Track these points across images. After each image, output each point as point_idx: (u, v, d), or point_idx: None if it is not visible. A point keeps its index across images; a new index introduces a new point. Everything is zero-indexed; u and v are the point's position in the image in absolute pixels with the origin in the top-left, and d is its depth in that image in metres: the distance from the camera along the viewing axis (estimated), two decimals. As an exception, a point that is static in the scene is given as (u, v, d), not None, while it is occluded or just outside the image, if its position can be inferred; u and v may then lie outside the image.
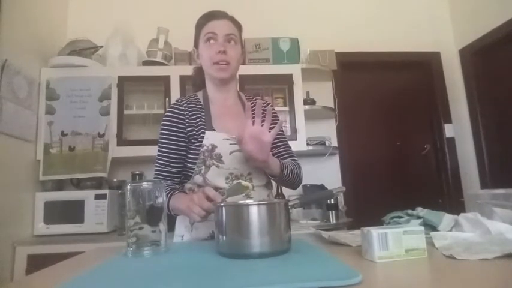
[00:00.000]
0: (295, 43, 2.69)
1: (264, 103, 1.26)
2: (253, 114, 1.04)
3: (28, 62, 2.21)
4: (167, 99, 2.41)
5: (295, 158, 1.26)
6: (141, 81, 2.54)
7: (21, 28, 2.14)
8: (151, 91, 2.60)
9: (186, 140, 1.12)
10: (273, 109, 1.28)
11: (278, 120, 1.28)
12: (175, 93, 2.41)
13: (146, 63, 2.54)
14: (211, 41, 1.13)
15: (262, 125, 0.98)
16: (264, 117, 0.99)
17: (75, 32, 2.58)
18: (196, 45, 1.20)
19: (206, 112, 1.15)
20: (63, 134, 2.31)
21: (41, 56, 2.36)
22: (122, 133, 2.38)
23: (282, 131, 1.28)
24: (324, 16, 3.06)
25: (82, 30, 2.56)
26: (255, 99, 1.27)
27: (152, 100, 2.55)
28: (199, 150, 1.09)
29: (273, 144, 1.21)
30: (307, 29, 2.91)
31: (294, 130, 2.50)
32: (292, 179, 1.15)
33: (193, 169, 1.11)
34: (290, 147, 1.26)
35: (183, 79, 2.43)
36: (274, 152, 1.23)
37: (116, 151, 2.33)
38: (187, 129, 1.12)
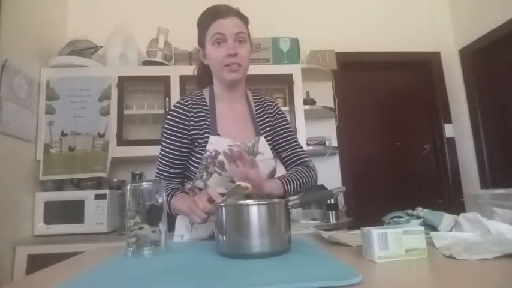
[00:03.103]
0: (295, 43, 2.69)
1: (271, 103, 1.25)
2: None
3: (28, 62, 2.21)
4: (167, 99, 2.41)
5: (307, 159, 1.22)
6: (141, 81, 2.54)
7: (21, 28, 2.14)
8: (151, 91, 2.61)
9: (190, 142, 1.10)
10: (280, 108, 1.27)
11: (287, 120, 1.26)
12: (175, 93, 2.41)
13: (146, 63, 2.54)
14: (220, 43, 1.07)
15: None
16: (239, 157, 0.98)
17: (75, 32, 2.58)
18: (201, 44, 1.14)
19: (211, 113, 1.12)
20: (63, 134, 2.31)
21: (41, 56, 2.36)
22: (122, 133, 2.38)
23: (291, 131, 1.25)
24: (324, 16, 3.06)
25: (82, 30, 2.56)
26: (262, 99, 1.25)
27: (152, 100, 2.55)
28: (202, 154, 1.07)
29: (282, 148, 1.21)
30: (307, 29, 2.91)
31: (294, 130, 2.48)
32: (303, 189, 1.13)
33: (195, 172, 1.10)
34: (301, 148, 1.23)
35: (183, 79, 2.43)
36: (284, 155, 1.21)
37: (116, 151, 2.33)
38: (191, 132, 1.09)
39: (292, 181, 1.11)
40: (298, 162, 1.21)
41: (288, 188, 1.09)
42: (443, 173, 3.06)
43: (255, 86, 2.62)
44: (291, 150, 1.21)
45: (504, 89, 2.71)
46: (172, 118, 1.11)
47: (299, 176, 1.14)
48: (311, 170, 1.20)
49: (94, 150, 2.32)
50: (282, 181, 1.09)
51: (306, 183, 1.15)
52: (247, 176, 0.96)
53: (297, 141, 1.24)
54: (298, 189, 1.12)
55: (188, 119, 1.10)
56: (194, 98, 1.14)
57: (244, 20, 1.13)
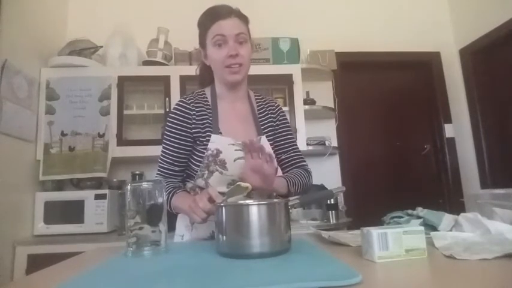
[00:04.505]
0: (295, 43, 2.69)
1: (273, 104, 1.25)
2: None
3: (28, 62, 2.21)
4: (167, 99, 2.41)
5: (305, 163, 1.24)
6: (141, 81, 2.54)
7: (21, 28, 2.14)
8: (151, 91, 2.60)
9: (191, 140, 1.11)
10: (282, 110, 1.27)
11: (288, 122, 1.27)
12: (175, 93, 2.41)
13: (146, 63, 2.53)
14: (221, 44, 1.07)
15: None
16: (259, 149, 0.97)
17: (75, 32, 2.58)
18: (202, 45, 1.14)
19: (213, 112, 1.13)
20: (63, 134, 2.31)
21: (41, 56, 2.36)
22: (122, 133, 2.38)
23: (292, 134, 1.26)
24: (324, 16, 3.06)
25: (82, 30, 2.56)
26: (265, 99, 1.25)
27: (152, 100, 2.55)
28: (203, 153, 1.08)
29: (281, 149, 1.21)
30: (307, 29, 2.91)
31: (294, 130, 2.49)
32: (301, 191, 1.15)
33: (196, 171, 1.10)
34: (299, 152, 1.24)
35: (183, 79, 2.43)
36: (282, 157, 1.21)
37: (116, 151, 2.33)
38: (193, 130, 1.10)
39: (295, 182, 1.13)
40: (297, 165, 1.22)
41: (291, 188, 1.10)
42: (443, 173, 3.06)
43: (255, 86, 2.60)
44: (291, 153, 1.22)
45: (504, 89, 2.71)
46: (175, 116, 1.11)
47: (300, 178, 1.16)
48: (309, 174, 1.23)
49: (94, 150, 2.32)
50: (286, 180, 1.10)
51: (305, 186, 1.17)
52: (261, 168, 0.95)
53: (296, 144, 1.26)
54: (299, 191, 1.14)
55: (190, 117, 1.10)
56: (196, 97, 1.15)
57: (245, 20, 1.13)
